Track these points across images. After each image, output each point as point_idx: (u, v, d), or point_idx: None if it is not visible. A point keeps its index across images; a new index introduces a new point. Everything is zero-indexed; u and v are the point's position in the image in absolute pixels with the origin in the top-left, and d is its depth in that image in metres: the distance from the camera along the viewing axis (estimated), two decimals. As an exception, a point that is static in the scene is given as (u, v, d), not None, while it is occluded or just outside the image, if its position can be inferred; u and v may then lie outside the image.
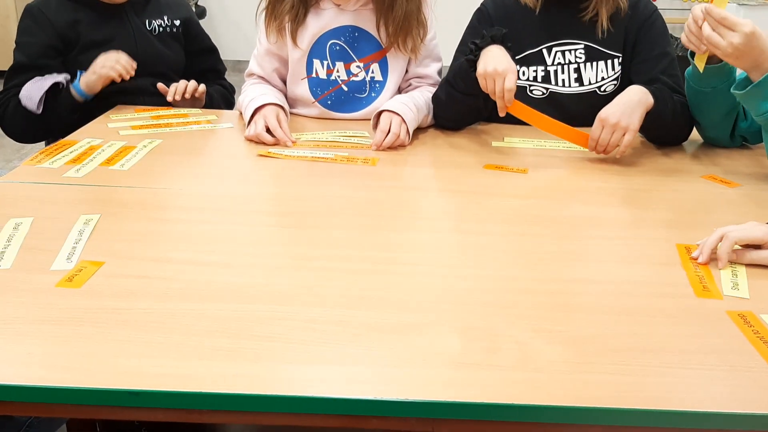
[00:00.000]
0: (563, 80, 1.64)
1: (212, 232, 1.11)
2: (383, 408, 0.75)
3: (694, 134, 1.61)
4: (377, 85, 1.70)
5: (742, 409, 0.74)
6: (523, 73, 1.64)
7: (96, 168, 1.36)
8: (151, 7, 1.80)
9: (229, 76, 2.06)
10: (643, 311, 0.92)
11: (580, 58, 1.64)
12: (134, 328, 0.84)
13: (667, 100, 1.49)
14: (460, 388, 0.76)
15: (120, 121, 1.66)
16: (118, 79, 1.66)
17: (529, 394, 0.75)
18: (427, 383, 0.77)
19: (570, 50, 1.63)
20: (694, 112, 1.54)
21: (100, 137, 1.53)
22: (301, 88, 1.70)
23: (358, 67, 1.69)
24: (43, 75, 1.68)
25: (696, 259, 1.05)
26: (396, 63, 1.69)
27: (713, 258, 1.04)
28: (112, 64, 1.65)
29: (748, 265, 1.03)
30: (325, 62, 1.68)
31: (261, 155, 1.47)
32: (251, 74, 1.75)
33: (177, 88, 1.73)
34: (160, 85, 1.75)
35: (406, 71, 1.73)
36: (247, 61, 1.79)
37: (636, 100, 1.44)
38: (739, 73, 1.35)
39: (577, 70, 1.64)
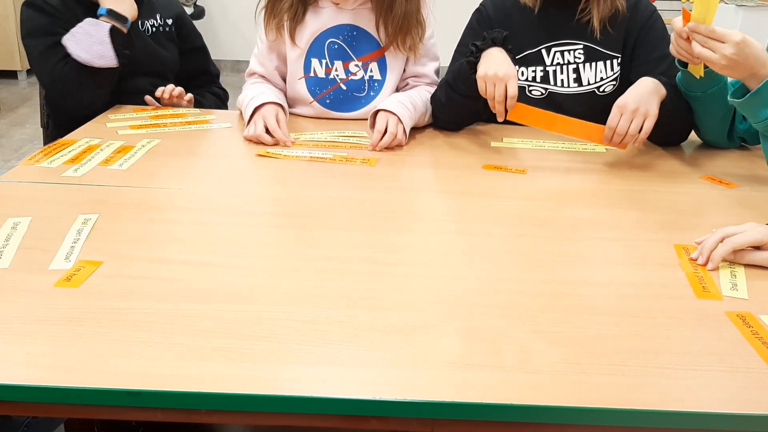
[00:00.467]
0: (562, 80, 1.64)
1: (211, 232, 1.11)
2: (382, 408, 0.75)
3: (693, 135, 1.61)
4: (376, 84, 1.70)
5: (741, 410, 0.74)
6: (522, 74, 1.64)
7: (94, 167, 1.36)
8: (143, 7, 1.79)
9: (228, 76, 2.07)
10: (642, 312, 0.91)
11: (579, 58, 1.64)
12: (132, 328, 0.84)
13: (677, 91, 1.49)
14: (459, 388, 0.76)
15: (119, 121, 1.66)
16: None
17: (528, 394, 0.75)
18: (427, 384, 0.76)
19: (569, 50, 1.64)
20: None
21: (99, 137, 1.53)
22: (299, 87, 1.70)
23: (356, 66, 1.69)
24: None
25: (695, 260, 1.05)
26: (395, 62, 1.69)
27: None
28: None
29: (747, 265, 1.03)
30: (324, 61, 1.68)
31: (260, 155, 1.47)
32: (252, 73, 1.75)
33: (166, 89, 1.75)
34: (148, 98, 1.77)
35: (404, 70, 1.73)
36: (247, 61, 1.79)
37: (651, 89, 1.43)
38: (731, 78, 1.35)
39: (576, 71, 1.64)
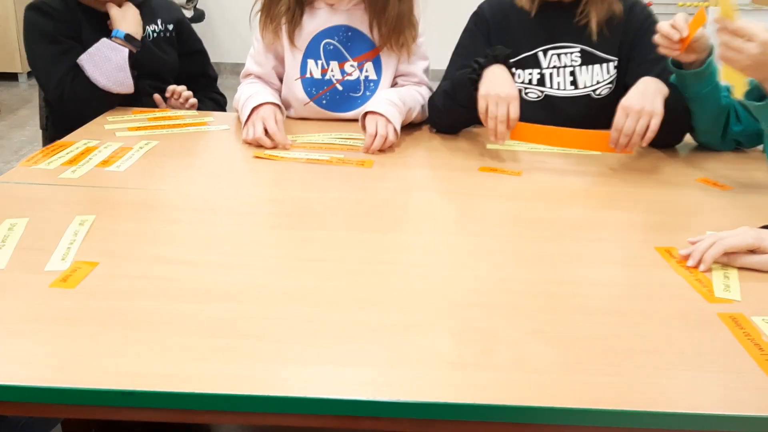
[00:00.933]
0: (558, 83, 1.65)
1: (208, 233, 1.11)
2: (377, 409, 0.75)
3: (688, 137, 1.61)
4: (372, 84, 1.71)
5: (733, 411, 0.74)
6: (519, 76, 1.65)
7: (92, 169, 1.36)
8: (144, 12, 1.79)
9: (227, 79, 2.08)
10: (636, 313, 0.92)
11: (576, 61, 1.64)
12: (129, 329, 0.84)
13: (676, 90, 1.48)
14: (454, 389, 0.76)
15: (117, 123, 1.66)
16: None
17: (524, 395, 0.75)
18: (422, 384, 0.77)
19: (566, 53, 1.64)
20: None
21: (97, 138, 1.54)
22: (295, 89, 1.71)
23: (352, 66, 1.69)
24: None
25: (686, 260, 1.05)
26: (389, 61, 1.70)
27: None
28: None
29: (739, 268, 1.04)
30: (319, 62, 1.69)
31: (257, 157, 1.47)
32: (248, 74, 1.75)
33: (176, 89, 1.78)
34: (156, 97, 1.79)
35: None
36: (246, 63, 1.79)
37: (654, 88, 1.41)
38: (724, 81, 1.34)
39: (573, 74, 1.65)
